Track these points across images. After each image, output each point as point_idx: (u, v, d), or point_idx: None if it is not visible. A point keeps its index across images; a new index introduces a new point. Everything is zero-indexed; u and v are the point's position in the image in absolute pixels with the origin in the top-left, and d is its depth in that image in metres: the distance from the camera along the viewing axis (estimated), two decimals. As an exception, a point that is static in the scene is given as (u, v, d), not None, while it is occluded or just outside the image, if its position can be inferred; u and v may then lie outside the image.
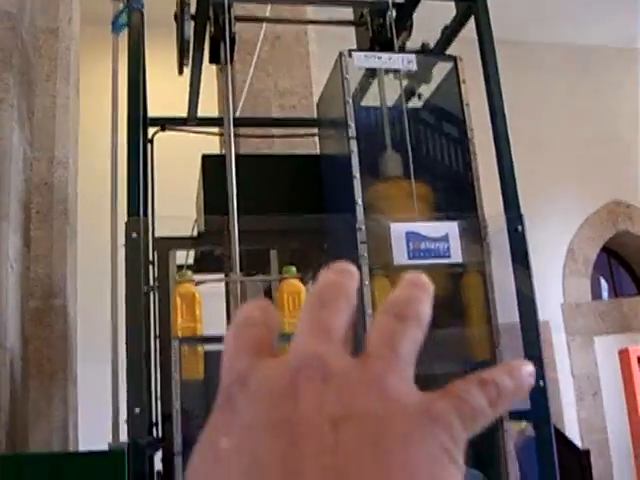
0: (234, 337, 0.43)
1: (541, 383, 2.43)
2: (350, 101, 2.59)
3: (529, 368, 0.42)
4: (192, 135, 3.49)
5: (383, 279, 2.47)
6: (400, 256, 2.39)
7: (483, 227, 2.54)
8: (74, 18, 4.16)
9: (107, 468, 2.13)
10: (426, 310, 0.42)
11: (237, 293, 2.69)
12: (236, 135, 3.67)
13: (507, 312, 2.63)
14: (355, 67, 2.70)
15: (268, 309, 0.44)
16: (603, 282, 8.25)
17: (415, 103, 3.05)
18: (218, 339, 2.59)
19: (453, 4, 2.91)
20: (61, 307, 3.68)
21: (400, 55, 2.78)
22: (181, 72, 3.02)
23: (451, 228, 2.44)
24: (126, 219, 2.37)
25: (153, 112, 3.37)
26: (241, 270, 2.85)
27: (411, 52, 2.90)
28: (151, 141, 3.39)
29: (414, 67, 2.74)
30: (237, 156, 2.83)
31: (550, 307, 7.21)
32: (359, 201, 2.47)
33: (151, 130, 3.39)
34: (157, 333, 3.00)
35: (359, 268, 2.39)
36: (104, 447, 2.64)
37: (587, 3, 7.52)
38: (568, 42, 8.08)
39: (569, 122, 7.88)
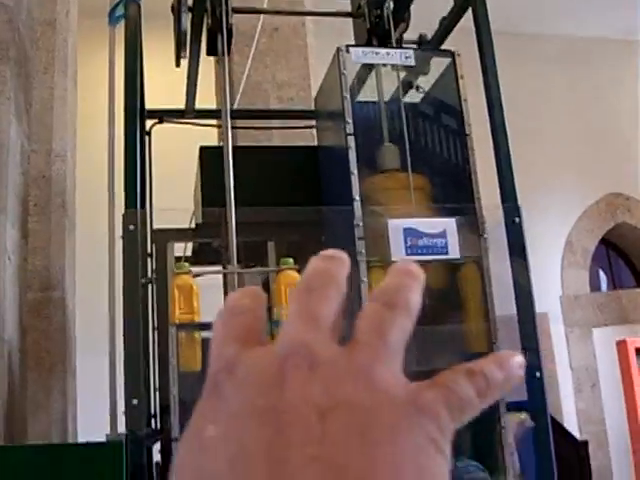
0: (222, 324, 0.43)
1: (538, 374, 2.43)
2: (348, 97, 2.58)
3: (518, 359, 0.42)
4: (191, 127, 3.49)
5: (381, 272, 2.47)
6: (397, 252, 2.40)
7: (481, 223, 2.53)
8: (71, 10, 4.16)
9: (105, 459, 2.13)
10: (416, 298, 0.42)
11: (235, 285, 2.69)
12: (234, 127, 3.68)
13: (505, 304, 2.64)
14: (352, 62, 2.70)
15: (257, 296, 0.44)
16: (602, 274, 8.26)
17: (413, 96, 3.04)
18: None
19: (451, -5, 2.91)
20: (59, 299, 3.68)
21: (398, 50, 2.78)
22: (178, 64, 3.01)
23: (449, 224, 2.44)
24: (123, 211, 2.37)
25: (151, 104, 3.37)
26: (239, 262, 2.86)
27: (409, 48, 2.89)
28: (149, 133, 3.40)
29: (412, 62, 2.74)
30: (235, 148, 2.83)
31: (549, 299, 7.22)
32: (357, 197, 2.47)
33: (149, 122, 3.39)
34: (155, 325, 3.01)
35: (357, 264, 2.39)
36: (103, 439, 2.64)
37: (586, -5, 7.52)
38: (568, 34, 8.06)
39: (568, 114, 7.88)
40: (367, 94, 2.97)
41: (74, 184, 4.08)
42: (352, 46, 2.71)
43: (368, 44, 3.05)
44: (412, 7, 3.04)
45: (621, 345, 6.30)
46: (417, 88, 3.06)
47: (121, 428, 2.42)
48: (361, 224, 2.43)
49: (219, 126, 3.52)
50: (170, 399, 2.27)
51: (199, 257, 3.23)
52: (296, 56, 4.21)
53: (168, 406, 2.34)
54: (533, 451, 2.49)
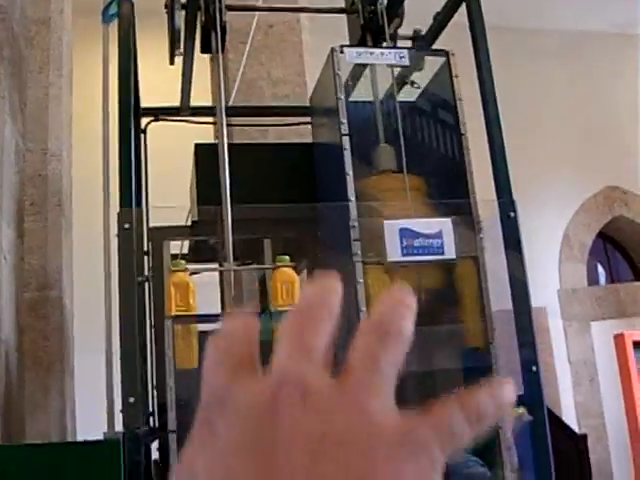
0: (215, 351, 0.42)
1: (534, 368, 2.44)
2: (342, 98, 2.58)
3: (509, 387, 0.42)
4: (187, 125, 3.49)
5: (377, 270, 2.46)
6: (393, 252, 2.40)
7: (477, 222, 2.53)
8: (65, 9, 4.15)
9: (102, 457, 2.14)
10: (408, 326, 0.41)
11: (231, 282, 2.69)
12: (229, 124, 3.68)
13: (502, 299, 2.64)
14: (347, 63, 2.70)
15: (250, 323, 0.44)
16: (599, 268, 8.26)
17: (408, 92, 3.04)
18: (212, 317, 2.60)
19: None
20: (57, 298, 3.69)
21: (392, 50, 2.78)
22: (172, 62, 3.01)
23: (445, 224, 2.44)
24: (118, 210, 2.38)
25: (148, 102, 3.36)
26: (235, 259, 2.86)
27: (403, 48, 2.89)
28: (144, 131, 3.39)
29: (406, 62, 2.75)
30: (230, 145, 2.83)
31: (546, 293, 7.22)
32: (352, 198, 2.46)
33: (144, 120, 3.39)
34: (152, 323, 3.01)
35: (353, 265, 2.39)
36: (101, 437, 2.65)
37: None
38: (566, 28, 8.05)
39: (566, 108, 7.88)
40: (361, 91, 2.97)
41: (70, 183, 4.08)
42: (346, 46, 2.71)
43: (362, 40, 3.05)
44: (406, 2, 3.04)
45: (619, 338, 6.31)
46: (412, 83, 3.06)
47: (119, 426, 2.42)
48: (356, 225, 2.42)
49: (214, 123, 3.52)
50: (167, 392, 2.27)
51: (196, 254, 3.23)
52: (291, 53, 4.20)
53: (165, 404, 2.34)
54: (531, 445, 2.50)
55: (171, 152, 4.21)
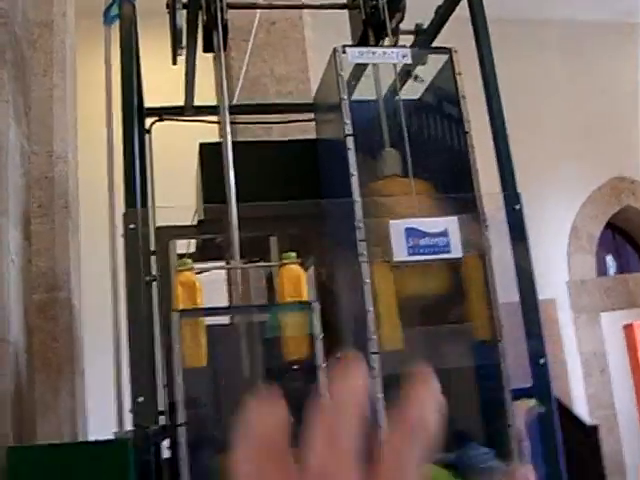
0: (244, 445, 0.42)
1: (542, 361, 2.44)
2: (345, 98, 2.58)
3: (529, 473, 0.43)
4: (193, 124, 3.49)
5: (383, 266, 2.46)
6: (400, 252, 2.40)
7: (482, 220, 2.52)
8: (68, 11, 4.17)
9: (112, 457, 2.15)
10: (433, 420, 0.42)
11: (238, 280, 2.70)
12: (234, 122, 3.68)
13: (510, 291, 2.63)
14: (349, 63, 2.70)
15: (278, 408, 0.43)
16: (608, 259, 8.24)
17: (411, 87, 3.04)
18: (219, 310, 2.61)
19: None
20: (65, 300, 3.71)
21: (395, 49, 2.78)
22: (175, 62, 3.02)
23: (450, 223, 2.44)
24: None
25: (153, 102, 3.37)
26: (242, 257, 2.87)
27: (405, 46, 2.89)
28: (148, 131, 3.41)
29: (409, 61, 2.75)
30: (234, 143, 2.84)
31: (555, 285, 7.21)
32: (357, 199, 2.47)
33: (149, 120, 3.40)
34: (161, 322, 3.02)
35: (358, 266, 2.39)
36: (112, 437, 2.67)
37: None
38: (567, 19, 8.02)
39: (569, 99, 7.85)
40: (365, 87, 2.97)
41: (77, 185, 4.10)
42: (349, 46, 2.70)
43: (364, 35, 3.05)
44: (407, -3, 3.03)
45: (628, 329, 6.31)
46: (415, 78, 3.06)
47: (129, 426, 2.43)
48: (362, 225, 2.43)
49: (219, 122, 3.53)
50: (174, 388, 2.28)
51: (203, 253, 3.23)
52: (294, 50, 4.21)
53: (175, 403, 2.35)
54: (541, 437, 2.50)
55: (177, 151, 4.22)
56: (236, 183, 2.68)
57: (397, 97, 2.87)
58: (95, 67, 4.09)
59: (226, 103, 2.82)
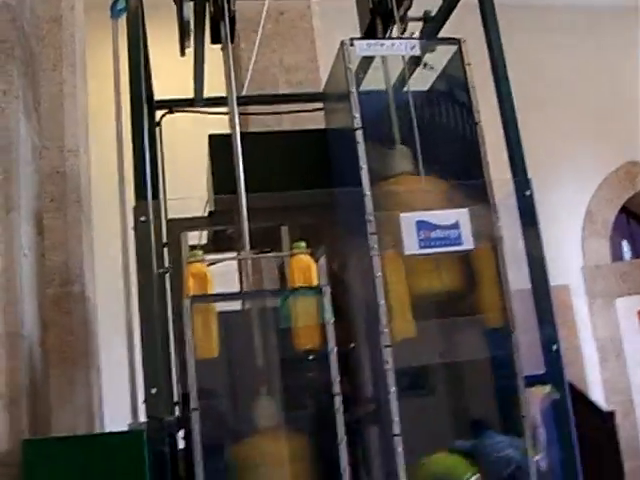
0: None
1: (555, 347, 2.43)
2: (354, 91, 2.57)
3: None
4: (206, 116, 3.49)
5: (394, 255, 2.45)
6: (411, 246, 2.40)
7: (494, 211, 2.51)
8: (76, 5, 4.18)
9: (127, 448, 2.17)
10: None
11: (249, 271, 2.71)
12: (244, 113, 3.69)
13: (522, 279, 2.62)
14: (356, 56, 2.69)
15: None
16: (624, 243, 8.19)
17: (420, 75, 3.02)
18: (231, 296, 2.61)
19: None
20: (79, 293, 3.73)
21: (403, 41, 2.77)
22: (183, 54, 3.02)
23: (462, 215, 2.43)
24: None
25: (166, 95, 3.38)
26: (255, 248, 2.87)
27: (414, 38, 2.87)
28: (159, 124, 3.41)
29: (418, 52, 2.73)
30: (244, 134, 2.84)
31: (570, 271, 7.18)
32: (367, 192, 2.46)
33: (159, 113, 3.41)
34: (174, 313, 3.03)
35: (370, 259, 2.39)
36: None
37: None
38: (580, 3, 7.95)
39: (582, 84, 7.79)
40: (374, 77, 2.96)
41: (88, 179, 4.12)
42: (356, 39, 2.69)
43: (372, 24, 3.04)
44: (415, -17, 3.02)
45: (644, 313, 6.27)
46: (425, 65, 3.04)
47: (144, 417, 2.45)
48: (372, 219, 2.42)
49: (228, 113, 3.53)
50: (187, 375, 2.29)
51: (215, 244, 3.24)
52: (303, 39, 4.20)
53: (188, 392, 2.36)
54: (555, 424, 2.49)
55: (190, 143, 4.22)
56: (246, 174, 2.69)
57: (406, 87, 2.86)
58: (106, 60, 4.10)
59: (234, 94, 2.82)
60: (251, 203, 2.66)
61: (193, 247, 3.01)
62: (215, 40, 2.89)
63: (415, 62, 2.98)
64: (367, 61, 3.01)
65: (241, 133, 2.78)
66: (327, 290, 2.38)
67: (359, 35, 3.12)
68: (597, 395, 6.57)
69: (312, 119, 3.45)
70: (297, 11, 4.24)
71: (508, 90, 2.66)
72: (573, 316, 7.04)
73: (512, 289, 2.51)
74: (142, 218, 2.36)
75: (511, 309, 2.43)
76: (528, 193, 2.53)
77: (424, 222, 2.41)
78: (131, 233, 2.48)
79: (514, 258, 2.57)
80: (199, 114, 3.45)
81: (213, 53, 3.10)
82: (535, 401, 2.52)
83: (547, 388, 2.50)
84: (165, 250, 3.10)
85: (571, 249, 7.40)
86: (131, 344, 3.04)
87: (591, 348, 7.20)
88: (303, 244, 2.57)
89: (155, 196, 3.35)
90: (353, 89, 2.57)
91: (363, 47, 2.70)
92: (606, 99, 7.77)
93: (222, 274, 2.69)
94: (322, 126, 3.24)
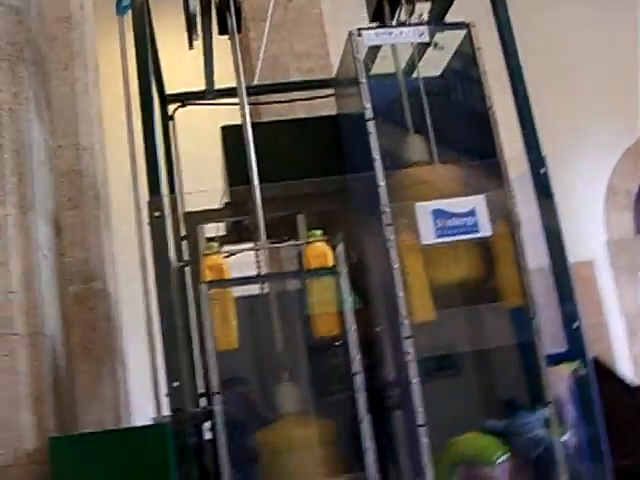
0: None
1: (575, 325, 2.41)
2: (364, 82, 2.55)
3: None
4: (221, 107, 3.49)
5: (411, 241, 2.43)
6: (428, 235, 2.38)
7: (510, 197, 2.48)
8: (85, 4, 4.19)
9: (152, 441, 2.19)
10: None
11: (266, 260, 2.72)
12: (256, 103, 3.68)
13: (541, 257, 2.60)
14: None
15: None
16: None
17: (431, 58, 3.00)
18: (247, 279, 2.62)
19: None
20: (101, 290, 3.76)
21: (412, 28, 2.74)
22: (191, 47, 3.02)
23: (478, 202, 2.41)
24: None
25: (178, 88, 3.37)
26: (273, 237, 2.87)
27: (422, 24, 2.84)
28: (171, 118, 3.42)
29: (426, 39, 2.71)
30: (256, 124, 2.83)
31: (594, 246, 7.11)
32: (382, 184, 2.45)
33: (172, 107, 3.41)
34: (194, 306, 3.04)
35: (386, 251, 2.38)
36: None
37: None
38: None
39: (596, 56, 7.67)
40: (385, 59, 2.94)
41: (105, 176, 4.14)
42: (364, 29, 2.67)
43: (379, 5, 3.01)
44: (422, -35, 2.99)
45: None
46: (435, 45, 3.02)
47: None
48: (388, 210, 2.41)
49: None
50: (207, 360, 2.30)
51: (233, 236, 3.25)
52: (312, 25, 4.19)
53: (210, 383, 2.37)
54: (581, 400, 2.48)
55: (205, 135, 4.22)
56: (260, 163, 2.69)
57: (416, 70, 2.84)
58: (116, 56, 4.10)
59: (243, 84, 2.81)
60: (266, 193, 2.66)
61: (211, 239, 3.02)
62: (222, 31, 2.89)
63: (425, 43, 2.96)
64: (376, 47, 2.99)
65: (253, 123, 2.78)
66: (344, 271, 2.38)
67: (367, 15, 3.10)
68: (626, 371, 6.51)
69: (325, 105, 3.44)
70: (305, -3, 4.23)
71: (519, 67, 2.64)
72: (598, 292, 6.97)
73: (534, 267, 2.49)
74: (156, 213, 2.37)
75: (532, 295, 2.41)
76: (543, 171, 2.50)
77: (440, 211, 2.39)
78: (147, 228, 2.49)
79: (536, 235, 2.54)
80: (210, 106, 3.44)
81: (226, 44, 3.09)
82: (562, 378, 2.51)
83: (575, 364, 2.49)
84: (183, 243, 3.11)
85: (594, 224, 7.32)
86: (152, 338, 3.06)
87: (617, 323, 7.14)
88: (319, 232, 2.57)
89: (171, 190, 3.37)
90: (363, 80, 2.55)
91: (371, 37, 2.68)
92: (623, 71, 7.66)
93: (240, 265, 2.70)
94: (335, 112, 3.23)
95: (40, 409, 2.32)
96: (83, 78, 4.00)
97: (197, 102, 3.48)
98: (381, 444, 2.37)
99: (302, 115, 3.70)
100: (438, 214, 2.39)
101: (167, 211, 2.53)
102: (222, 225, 3.29)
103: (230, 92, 3.48)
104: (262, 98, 3.77)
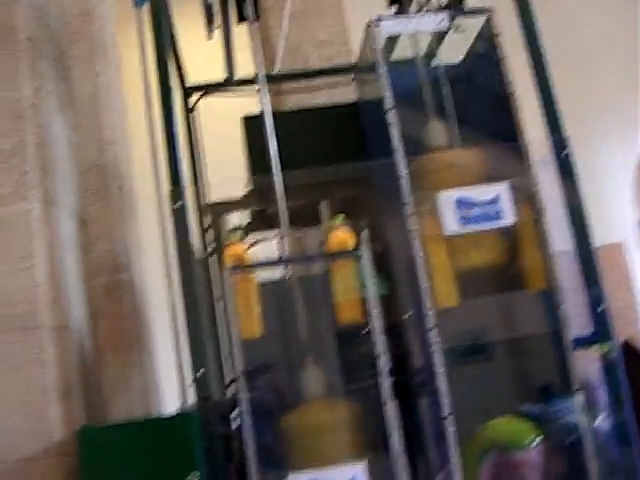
0: None
1: (601, 308, 2.39)
2: (384, 72, 2.54)
3: None
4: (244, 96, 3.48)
5: (434, 222, 2.42)
6: (451, 224, 2.37)
7: (534, 185, 2.45)
8: (105, -3, 4.20)
9: (178, 430, 2.21)
10: None
11: (288, 247, 2.72)
12: (277, 91, 3.68)
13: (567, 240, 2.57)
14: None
15: None
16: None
17: (451, 43, 2.97)
18: (271, 263, 2.63)
19: None
20: (128, 281, 3.79)
21: (430, 16, 2.72)
22: (210, 37, 3.02)
23: (501, 190, 2.39)
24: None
25: (204, 78, 3.38)
26: (297, 225, 2.87)
27: (440, 8, 2.83)
28: (192, 109, 3.42)
29: (446, 25, 2.69)
30: (277, 113, 2.83)
31: (622, 228, 7.00)
32: (403, 174, 2.44)
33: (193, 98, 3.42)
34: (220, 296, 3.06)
35: (409, 242, 2.37)
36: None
37: None
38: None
39: (622, 35, 7.55)
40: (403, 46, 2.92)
41: (129, 168, 4.16)
42: (381, 20, 2.65)
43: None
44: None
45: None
46: (457, 28, 2.99)
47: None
48: (409, 202, 2.40)
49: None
50: (231, 346, 2.31)
51: (257, 223, 3.26)
52: (332, 12, 4.16)
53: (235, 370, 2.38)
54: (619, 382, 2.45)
55: (229, 124, 4.22)
56: (281, 152, 2.69)
57: (437, 56, 2.82)
58: (137, 49, 4.11)
59: (263, 73, 2.81)
60: (288, 181, 2.66)
61: (236, 228, 3.03)
62: (241, 19, 2.89)
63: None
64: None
65: (273, 112, 2.78)
66: (366, 254, 2.37)
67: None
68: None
69: (348, 92, 3.42)
70: (324, -17, 4.20)
71: (541, 52, 2.60)
72: (628, 274, 6.88)
73: (561, 249, 2.47)
74: (177, 204, 2.38)
75: (558, 283, 2.38)
76: (565, 153, 2.47)
77: (463, 200, 2.38)
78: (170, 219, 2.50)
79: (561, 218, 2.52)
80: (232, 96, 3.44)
81: (246, 37, 3.08)
82: (592, 362, 2.49)
83: (606, 347, 2.47)
84: (207, 233, 3.13)
85: (622, 206, 7.21)
86: (176, 327, 3.08)
87: (649, 305, 7.04)
88: (340, 218, 2.57)
89: (195, 181, 3.38)
90: (382, 70, 2.54)
91: (390, 26, 2.66)
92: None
93: (265, 254, 2.71)
94: (355, 99, 3.22)
95: (68, 402, 2.34)
96: (105, 72, 4.01)
97: (219, 92, 3.48)
98: (408, 431, 2.37)
99: (324, 101, 3.69)
100: (461, 203, 2.38)
101: (190, 202, 2.54)
102: (247, 213, 3.30)
103: (251, 81, 3.50)
104: (283, 87, 3.76)
